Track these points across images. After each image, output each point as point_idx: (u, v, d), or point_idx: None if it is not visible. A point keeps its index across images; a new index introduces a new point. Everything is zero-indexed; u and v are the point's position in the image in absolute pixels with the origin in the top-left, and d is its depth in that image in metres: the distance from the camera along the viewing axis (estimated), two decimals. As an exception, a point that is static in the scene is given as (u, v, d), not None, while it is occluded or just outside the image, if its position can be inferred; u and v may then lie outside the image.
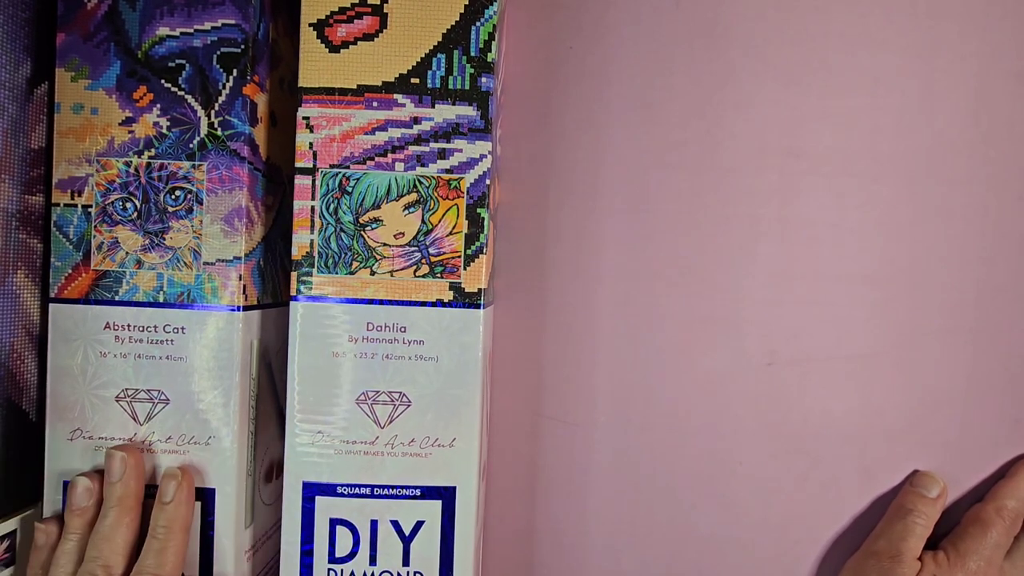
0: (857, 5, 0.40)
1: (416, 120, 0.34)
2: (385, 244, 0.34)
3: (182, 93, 0.35)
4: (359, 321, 0.34)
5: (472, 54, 0.34)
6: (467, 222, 0.34)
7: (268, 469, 0.38)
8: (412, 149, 0.34)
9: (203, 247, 0.35)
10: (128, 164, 0.35)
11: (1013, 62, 0.40)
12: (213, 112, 0.35)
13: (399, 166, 0.34)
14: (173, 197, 0.35)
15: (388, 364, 0.34)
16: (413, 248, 0.34)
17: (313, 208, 0.34)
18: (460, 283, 0.34)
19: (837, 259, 0.40)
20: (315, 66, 0.34)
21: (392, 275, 0.34)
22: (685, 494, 0.41)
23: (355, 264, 0.34)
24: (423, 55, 0.34)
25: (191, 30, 0.35)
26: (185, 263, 0.35)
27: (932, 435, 0.40)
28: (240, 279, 0.35)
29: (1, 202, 0.34)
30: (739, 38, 0.40)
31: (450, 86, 0.34)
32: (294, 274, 0.34)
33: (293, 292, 0.34)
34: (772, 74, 0.40)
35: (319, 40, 0.34)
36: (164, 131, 0.35)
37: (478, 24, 0.34)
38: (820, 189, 0.40)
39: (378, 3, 0.34)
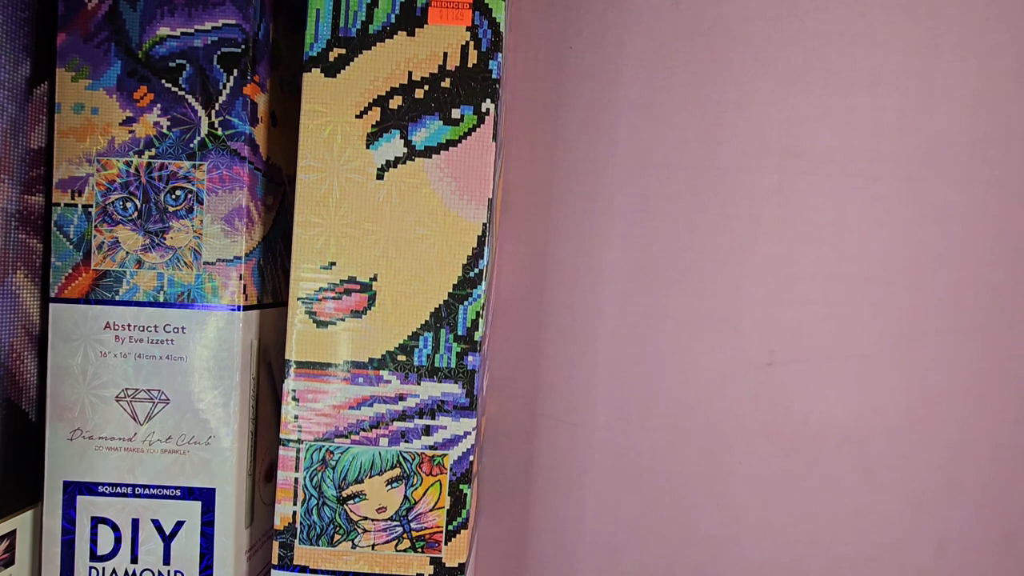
0: (857, 5, 0.40)
1: (402, 397, 0.34)
2: (367, 518, 0.34)
3: (182, 93, 0.35)
4: None
5: (459, 333, 0.34)
6: (450, 498, 0.34)
7: (268, 469, 0.38)
8: (397, 425, 0.34)
9: (203, 247, 0.35)
10: (128, 164, 0.35)
11: (1013, 62, 0.40)
12: (213, 112, 0.35)
13: (383, 441, 0.34)
14: (173, 197, 0.35)
15: None
16: (395, 523, 0.34)
17: (296, 480, 0.34)
18: (441, 558, 0.34)
19: (837, 259, 0.40)
20: (306, 342, 0.34)
21: (373, 548, 0.34)
22: (685, 494, 0.41)
23: (337, 537, 0.34)
24: (410, 333, 0.34)
25: (191, 30, 0.35)
26: (185, 263, 0.35)
27: (932, 435, 0.40)
28: (240, 279, 0.35)
29: (1, 202, 0.34)
30: (739, 38, 0.40)
31: (436, 364, 0.34)
32: (276, 543, 0.34)
33: (274, 561, 0.34)
34: (772, 74, 0.40)
35: (307, 316, 0.34)
36: (164, 131, 0.35)
37: (466, 304, 0.34)
38: (820, 189, 0.40)
39: (367, 281, 0.34)
